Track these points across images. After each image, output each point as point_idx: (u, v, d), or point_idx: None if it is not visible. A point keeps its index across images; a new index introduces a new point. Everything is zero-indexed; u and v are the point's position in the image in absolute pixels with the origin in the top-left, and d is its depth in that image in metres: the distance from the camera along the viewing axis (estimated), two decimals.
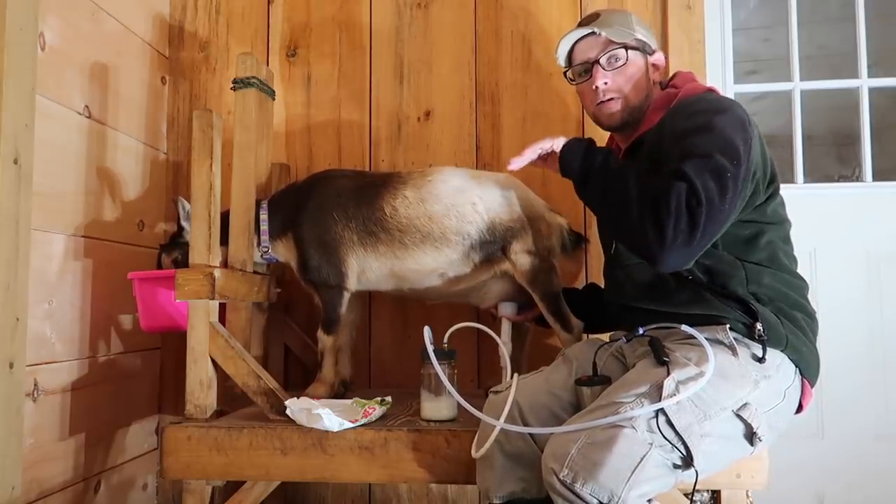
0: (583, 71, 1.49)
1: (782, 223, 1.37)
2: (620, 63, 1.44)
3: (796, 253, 1.40)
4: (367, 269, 1.70)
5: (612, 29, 1.45)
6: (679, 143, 1.25)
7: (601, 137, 1.58)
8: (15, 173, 1.46)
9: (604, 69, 1.45)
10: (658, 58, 1.50)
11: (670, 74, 1.56)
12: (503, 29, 2.12)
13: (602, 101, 1.47)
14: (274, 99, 1.93)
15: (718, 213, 1.16)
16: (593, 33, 1.46)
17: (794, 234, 1.41)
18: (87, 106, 1.80)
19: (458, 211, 1.65)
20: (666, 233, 1.15)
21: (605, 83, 1.45)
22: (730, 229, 1.26)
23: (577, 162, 1.35)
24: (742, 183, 1.20)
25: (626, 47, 1.44)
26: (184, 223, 1.75)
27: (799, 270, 1.38)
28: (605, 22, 1.47)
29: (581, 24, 1.51)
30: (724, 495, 1.43)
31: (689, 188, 1.15)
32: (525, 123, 2.09)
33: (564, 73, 1.55)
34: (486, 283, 1.71)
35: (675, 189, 1.16)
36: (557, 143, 1.41)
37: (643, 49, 1.47)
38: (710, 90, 1.42)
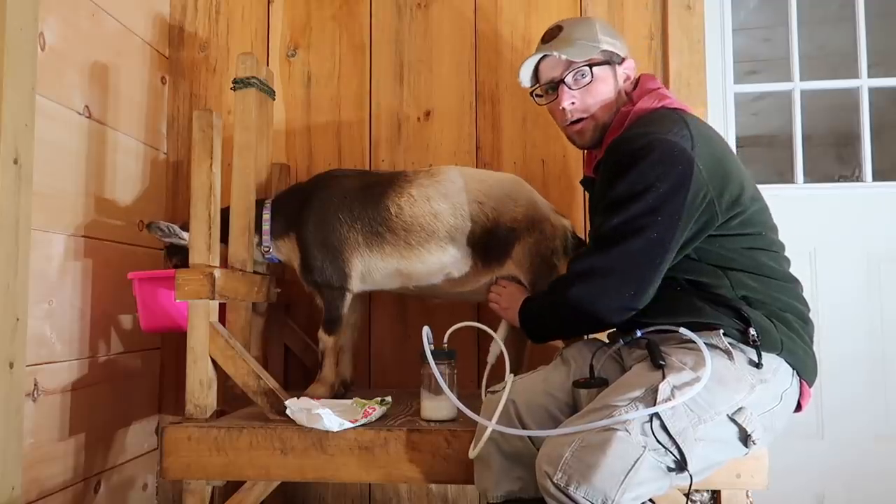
0: (549, 89, 1.48)
1: (760, 233, 1.33)
2: (587, 81, 1.41)
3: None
4: (372, 269, 1.70)
5: (573, 47, 1.41)
6: (603, 211, 1.30)
7: None
8: (15, 173, 1.46)
9: (570, 88, 1.43)
10: (628, 66, 1.46)
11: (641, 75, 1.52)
12: (503, 29, 2.12)
13: (571, 123, 1.46)
14: (274, 99, 1.93)
15: (638, 273, 1.25)
16: (551, 55, 1.43)
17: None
18: (87, 106, 1.80)
19: (463, 210, 1.65)
20: (599, 317, 1.30)
21: (573, 103, 1.43)
22: (701, 244, 1.28)
23: (521, 323, 1.47)
24: (679, 221, 1.22)
25: (591, 64, 1.41)
26: (166, 240, 1.73)
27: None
28: (567, 38, 1.43)
29: (543, 40, 1.48)
30: (723, 495, 1.43)
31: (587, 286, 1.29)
32: (525, 123, 2.09)
33: (531, 92, 1.52)
34: (493, 282, 1.71)
35: (573, 292, 1.30)
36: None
37: (611, 61, 1.44)
38: (662, 108, 1.37)
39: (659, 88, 1.42)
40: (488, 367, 1.63)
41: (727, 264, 1.29)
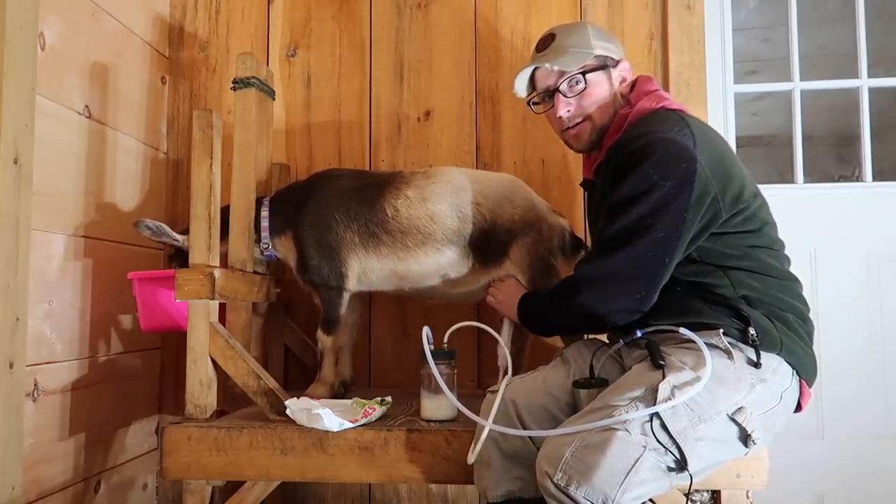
0: (545, 97, 1.49)
1: (761, 229, 1.33)
2: (581, 88, 1.43)
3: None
4: (368, 270, 1.70)
5: (565, 56, 1.42)
6: (607, 213, 1.30)
7: None
8: (15, 173, 1.46)
9: (565, 96, 1.44)
10: (623, 68, 1.47)
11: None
12: (503, 29, 2.12)
13: (568, 128, 1.47)
14: (274, 99, 1.93)
15: (647, 275, 1.25)
16: (543, 66, 1.44)
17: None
18: (87, 106, 1.80)
19: (461, 211, 1.65)
20: (608, 320, 1.30)
21: (568, 111, 1.44)
22: (703, 244, 1.28)
23: (521, 318, 1.48)
24: (685, 219, 1.22)
25: (585, 71, 1.42)
26: (155, 239, 1.72)
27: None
28: (560, 47, 1.43)
29: (537, 49, 1.48)
30: (723, 495, 1.43)
31: (589, 285, 1.29)
32: (525, 123, 2.09)
33: (528, 101, 1.53)
34: (491, 283, 1.71)
35: (580, 292, 1.30)
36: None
37: (604, 65, 1.44)
38: (661, 108, 1.37)
39: (657, 90, 1.43)
40: (502, 373, 1.55)
41: (729, 263, 1.29)
